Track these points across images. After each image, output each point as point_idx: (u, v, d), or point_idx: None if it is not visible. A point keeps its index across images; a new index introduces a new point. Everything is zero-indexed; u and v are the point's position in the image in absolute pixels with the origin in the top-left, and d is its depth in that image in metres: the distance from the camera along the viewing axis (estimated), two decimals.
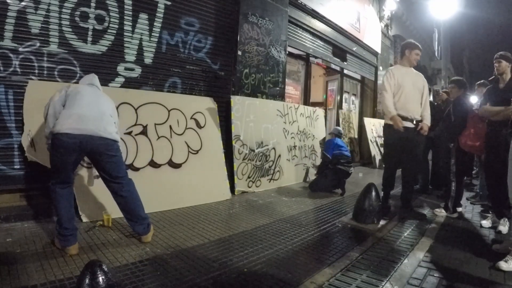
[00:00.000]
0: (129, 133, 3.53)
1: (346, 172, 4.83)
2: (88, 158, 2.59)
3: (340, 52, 7.94)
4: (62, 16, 3.29)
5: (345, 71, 8.79)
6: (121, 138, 3.43)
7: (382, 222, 3.41)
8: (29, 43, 3.10)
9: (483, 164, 3.89)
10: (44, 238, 2.58)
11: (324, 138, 7.03)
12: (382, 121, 9.74)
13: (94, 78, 2.68)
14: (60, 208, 2.36)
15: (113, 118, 2.57)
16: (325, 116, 7.82)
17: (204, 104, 4.35)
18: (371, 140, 8.76)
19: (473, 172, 5.72)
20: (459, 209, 3.88)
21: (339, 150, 4.89)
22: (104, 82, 3.60)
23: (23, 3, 3.05)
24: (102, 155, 2.43)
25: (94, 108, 2.43)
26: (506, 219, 3.20)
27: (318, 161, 6.09)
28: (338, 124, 8.25)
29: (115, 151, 2.50)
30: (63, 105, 2.37)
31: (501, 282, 2.20)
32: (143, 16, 3.91)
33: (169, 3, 4.13)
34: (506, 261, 2.36)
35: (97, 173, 3.14)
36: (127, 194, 2.56)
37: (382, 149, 8.64)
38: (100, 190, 3.07)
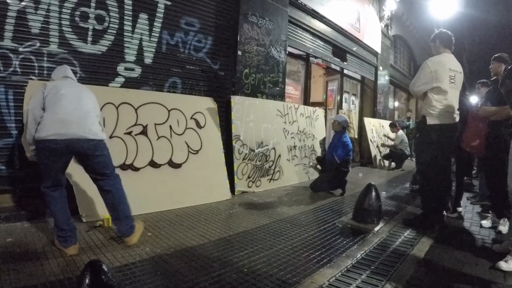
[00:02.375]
0: (129, 133, 3.53)
1: (347, 172, 4.85)
2: (75, 158, 2.53)
3: (340, 52, 7.94)
4: (62, 16, 3.29)
5: (345, 71, 8.80)
6: (121, 138, 3.45)
7: (382, 222, 3.40)
8: (29, 43, 3.10)
9: (483, 164, 3.89)
10: (44, 238, 2.58)
11: (324, 138, 7.04)
12: (382, 121, 9.85)
13: (67, 70, 2.58)
14: (54, 210, 2.34)
15: (97, 117, 2.50)
16: (325, 116, 7.82)
17: (204, 104, 4.35)
18: (371, 140, 8.76)
19: (473, 172, 5.72)
20: (459, 209, 3.87)
21: (349, 156, 4.77)
22: (104, 82, 3.62)
23: (23, 3, 3.05)
24: (89, 156, 2.38)
25: (77, 109, 2.35)
26: (506, 219, 3.20)
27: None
28: None
29: (101, 150, 2.44)
30: (43, 108, 2.30)
31: (501, 282, 2.20)
32: (143, 16, 3.91)
33: (169, 3, 4.13)
34: (506, 261, 2.36)
35: None
36: (112, 188, 2.48)
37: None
38: None
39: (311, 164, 5.87)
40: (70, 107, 2.33)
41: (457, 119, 3.27)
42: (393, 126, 8.65)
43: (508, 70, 2.83)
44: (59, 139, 2.23)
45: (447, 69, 3.17)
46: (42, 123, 2.26)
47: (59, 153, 2.27)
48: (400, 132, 8.36)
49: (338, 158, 4.68)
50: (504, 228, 3.16)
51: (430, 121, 3.22)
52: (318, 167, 5.57)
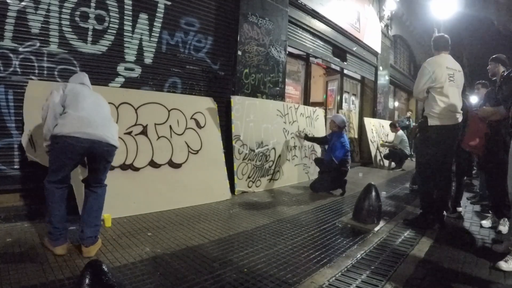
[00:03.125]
0: (129, 133, 3.53)
1: (346, 171, 4.85)
2: (86, 159, 2.50)
3: (340, 52, 7.94)
4: (62, 16, 3.29)
5: (345, 71, 8.80)
6: (121, 138, 3.45)
7: (382, 222, 3.40)
8: (29, 43, 3.10)
9: (483, 164, 3.90)
10: (44, 238, 2.57)
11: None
12: (382, 121, 9.85)
13: (84, 77, 2.61)
14: (53, 208, 2.30)
15: (116, 125, 2.56)
16: (325, 117, 7.81)
17: (204, 104, 4.35)
18: (371, 140, 8.76)
19: (473, 172, 5.71)
20: (459, 209, 3.88)
21: (347, 156, 4.79)
22: (104, 82, 3.62)
23: (23, 3, 3.05)
24: (103, 160, 2.40)
25: (99, 112, 2.40)
26: (506, 219, 3.19)
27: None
28: None
29: (113, 157, 2.48)
30: (63, 106, 2.31)
31: (501, 282, 2.20)
32: (143, 16, 3.92)
33: (169, 3, 4.13)
34: (506, 261, 2.37)
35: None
36: (99, 190, 2.46)
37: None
38: None
39: (297, 134, 5.74)
40: (93, 109, 2.36)
41: (460, 119, 3.27)
42: (392, 127, 8.65)
43: (505, 76, 2.85)
44: (83, 138, 2.22)
45: (444, 68, 3.20)
46: (65, 119, 2.25)
47: (78, 151, 2.25)
48: (400, 132, 8.36)
49: (336, 159, 4.69)
50: (504, 228, 3.16)
51: (431, 122, 3.22)
52: (302, 134, 5.66)
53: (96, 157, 2.37)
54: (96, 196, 2.45)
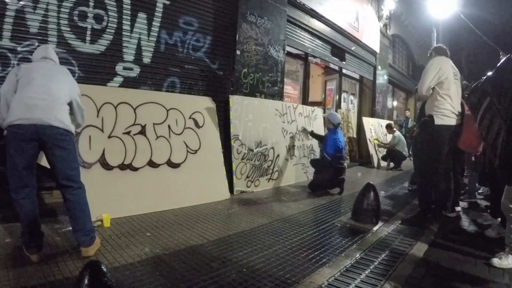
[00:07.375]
0: (128, 133, 3.52)
1: (343, 169, 4.86)
2: (44, 153, 2.29)
3: (338, 52, 7.95)
4: (61, 15, 3.28)
5: (344, 71, 8.81)
6: (120, 138, 3.44)
7: (381, 222, 3.41)
8: (27, 42, 3.09)
9: (478, 165, 3.91)
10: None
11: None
12: (380, 121, 9.85)
13: (47, 50, 2.43)
14: (21, 220, 2.17)
15: (67, 104, 2.30)
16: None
17: (203, 104, 4.34)
18: (369, 140, 8.77)
19: (465, 173, 5.69)
20: (458, 209, 3.88)
21: (341, 153, 4.80)
22: (103, 81, 3.62)
23: (21, 3, 3.04)
24: (53, 146, 2.18)
25: (45, 93, 2.18)
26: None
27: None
28: None
29: (67, 143, 2.24)
30: (16, 92, 2.17)
31: (500, 281, 2.21)
32: (142, 16, 3.91)
33: (167, 2, 4.12)
34: (500, 258, 2.40)
35: (96, 173, 3.13)
36: (73, 198, 2.29)
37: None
38: (98, 190, 3.06)
39: (302, 129, 5.90)
40: (37, 91, 2.16)
41: (460, 120, 3.30)
42: (388, 128, 8.59)
43: (473, 87, 2.87)
44: (24, 124, 2.07)
45: (449, 65, 3.30)
46: (10, 108, 2.12)
47: (24, 140, 2.09)
48: (397, 133, 8.30)
49: (328, 155, 4.72)
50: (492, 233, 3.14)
51: (438, 121, 3.24)
52: (309, 130, 5.82)
53: (44, 144, 2.17)
54: (73, 204, 2.28)
